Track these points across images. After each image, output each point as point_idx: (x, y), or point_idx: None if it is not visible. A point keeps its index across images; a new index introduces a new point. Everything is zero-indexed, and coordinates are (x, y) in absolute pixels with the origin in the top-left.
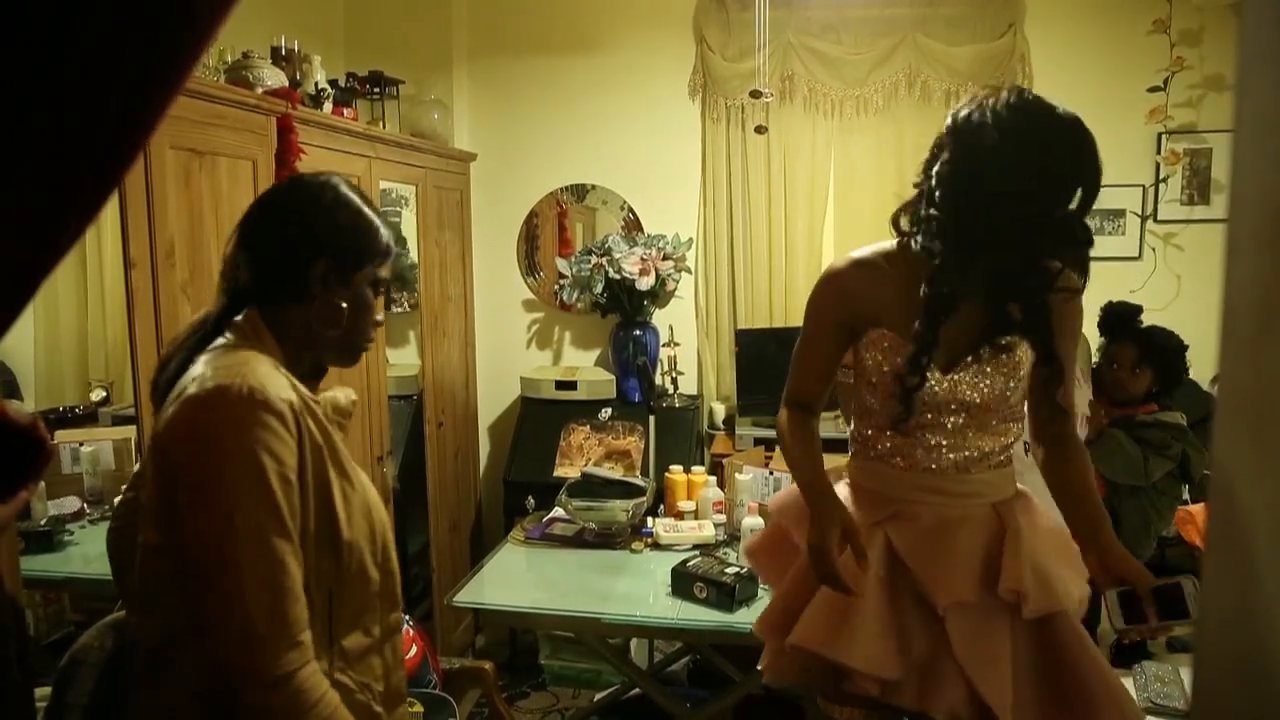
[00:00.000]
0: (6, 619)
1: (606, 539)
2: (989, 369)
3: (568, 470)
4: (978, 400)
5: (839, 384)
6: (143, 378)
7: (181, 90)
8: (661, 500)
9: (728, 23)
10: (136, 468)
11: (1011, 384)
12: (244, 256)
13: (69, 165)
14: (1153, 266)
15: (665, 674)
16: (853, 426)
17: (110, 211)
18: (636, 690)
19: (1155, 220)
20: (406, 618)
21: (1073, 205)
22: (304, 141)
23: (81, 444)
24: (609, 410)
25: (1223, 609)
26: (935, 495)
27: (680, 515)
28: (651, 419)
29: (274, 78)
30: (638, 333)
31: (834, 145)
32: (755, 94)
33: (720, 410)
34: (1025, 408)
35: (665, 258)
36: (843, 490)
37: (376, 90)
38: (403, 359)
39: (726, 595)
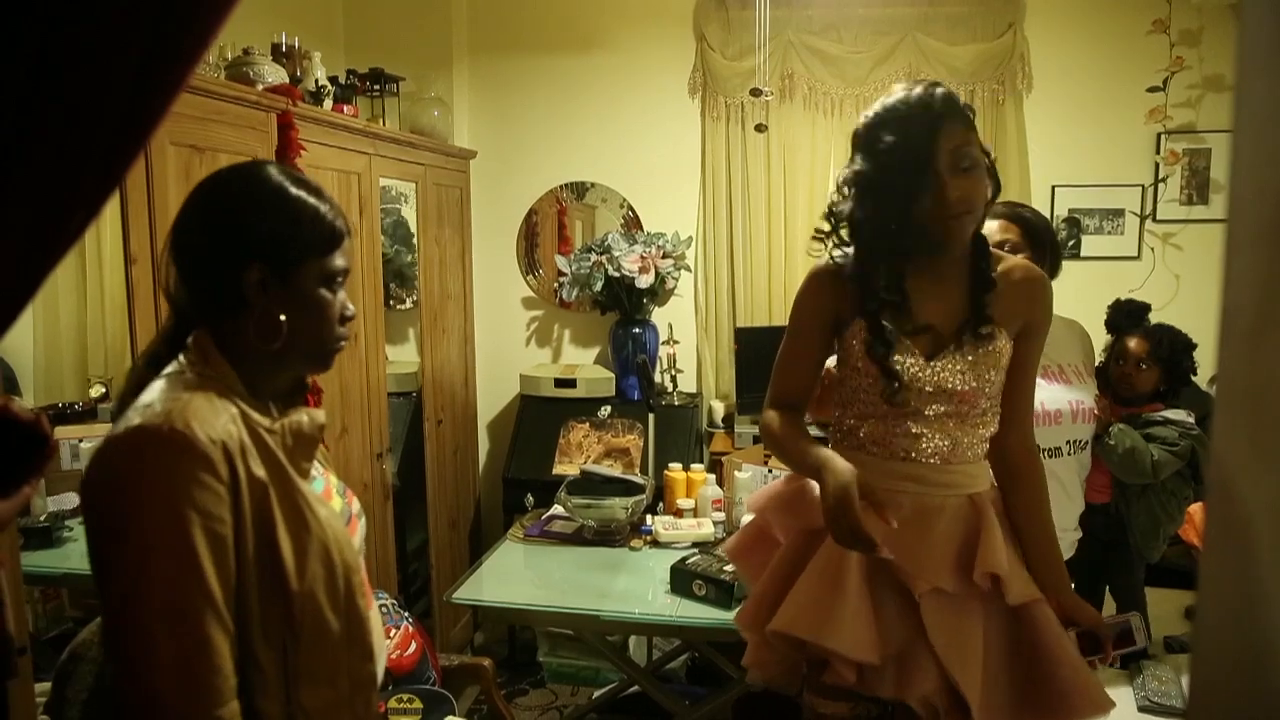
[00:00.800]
0: None
1: (605, 536)
2: (970, 358)
3: (567, 468)
4: (959, 389)
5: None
6: None
7: (182, 90)
8: (660, 498)
9: (728, 21)
10: None
11: (991, 374)
12: (175, 272)
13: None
14: (1151, 266)
15: (663, 671)
16: (836, 416)
17: (111, 208)
18: (635, 688)
19: (1154, 220)
20: (406, 614)
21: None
22: (304, 138)
23: (81, 440)
24: (608, 408)
25: (1220, 608)
26: (914, 484)
27: (679, 513)
28: (651, 417)
29: (275, 74)
30: (637, 330)
31: (834, 144)
32: (755, 92)
33: (719, 408)
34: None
35: (665, 256)
36: None
37: (377, 87)
38: (402, 356)
39: (725, 593)
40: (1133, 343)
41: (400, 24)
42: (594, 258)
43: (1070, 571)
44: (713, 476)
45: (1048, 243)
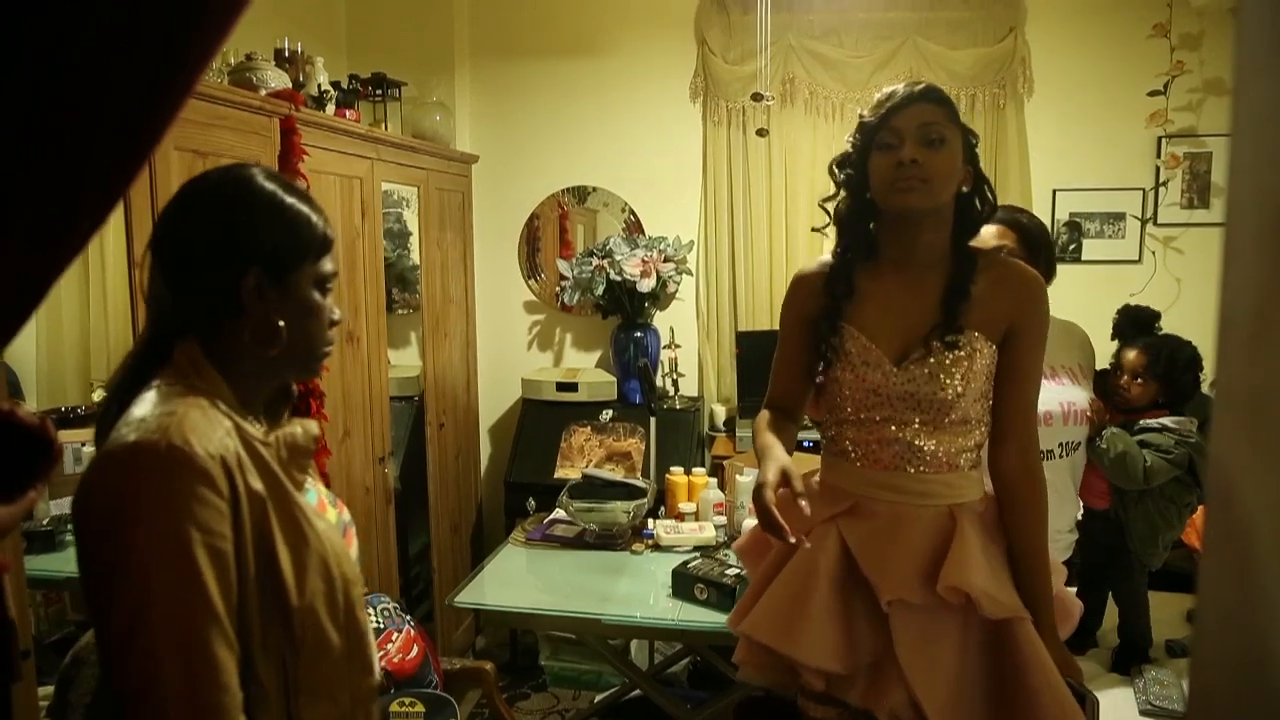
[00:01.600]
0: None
1: (607, 540)
2: (938, 364)
3: (568, 472)
4: (929, 395)
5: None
6: None
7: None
8: (662, 502)
9: (729, 26)
10: None
11: (966, 381)
12: (162, 281)
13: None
14: (1152, 270)
15: (665, 675)
16: (823, 423)
17: (114, 213)
18: (637, 692)
19: (1155, 224)
20: (408, 618)
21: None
22: (307, 143)
23: (84, 444)
24: (610, 412)
25: (1220, 611)
26: (890, 492)
27: (681, 517)
28: (652, 421)
29: (277, 79)
30: (639, 334)
31: (835, 148)
32: (756, 97)
33: (721, 412)
34: (988, 416)
35: (666, 260)
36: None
37: (379, 92)
38: (404, 360)
39: (727, 596)
40: (1131, 354)
41: (402, 29)
42: (595, 261)
43: (1071, 576)
44: (714, 480)
45: (1043, 247)
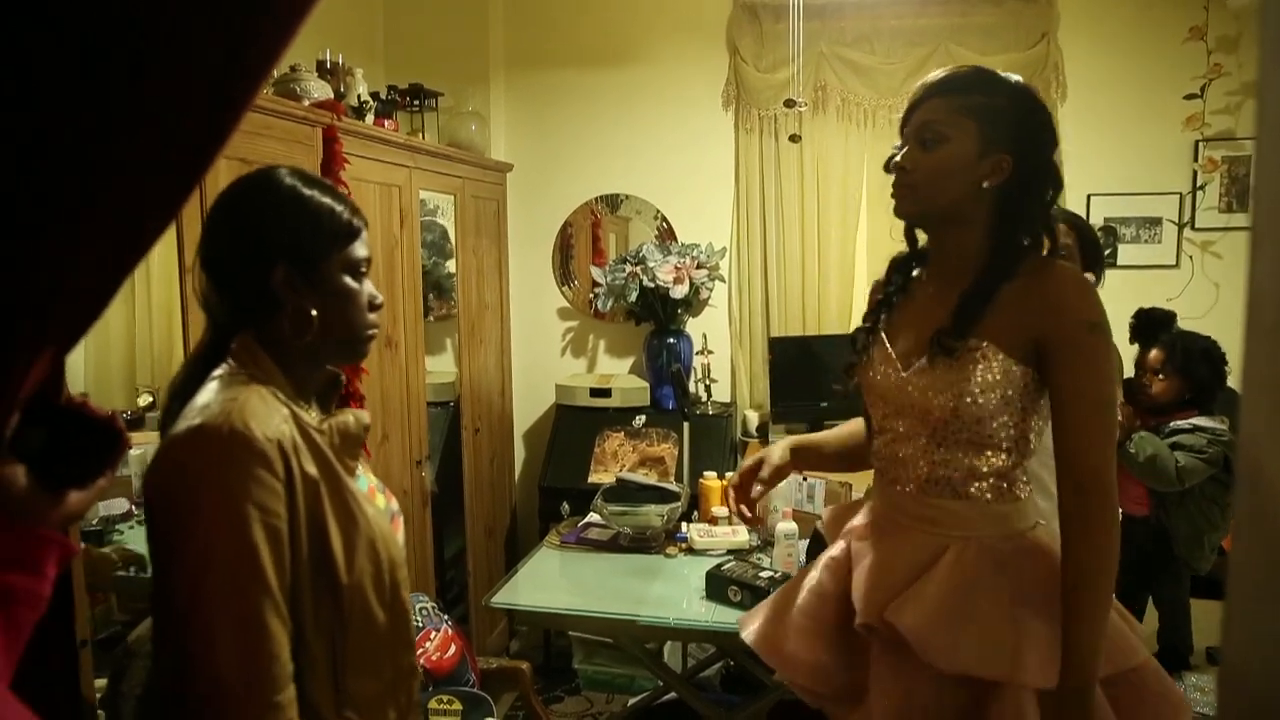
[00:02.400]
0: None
1: (641, 543)
2: (936, 373)
3: (602, 476)
4: (927, 406)
5: None
6: None
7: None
8: (695, 506)
9: (760, 34)
10: None
11: (967, 397)
12: (207, 282)
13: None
14: (1190, 275)
15: (698, 679)
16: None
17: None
18: (670, 695)
19: (1193, 228)
20: (445, 618)
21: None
22: (348, 152)
23: (130, 448)
24: (643, 417)
25: (1250, 589)
26: (899, 514)
27: (714, 520)
28: (685, 426)
29: (319, 90)
30: (671, 340)
31: (867, 154)
32: (789, 104)
33: (753, 418)
34: (1022, 442)
35: (699, 266)
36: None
37: (416, 102)
38: (440, 366)
39: (760, 599)
40: (1151, 353)
41: (438, 40)
42: (629, 268)
43: None
44: None
45: (1096, 257)
